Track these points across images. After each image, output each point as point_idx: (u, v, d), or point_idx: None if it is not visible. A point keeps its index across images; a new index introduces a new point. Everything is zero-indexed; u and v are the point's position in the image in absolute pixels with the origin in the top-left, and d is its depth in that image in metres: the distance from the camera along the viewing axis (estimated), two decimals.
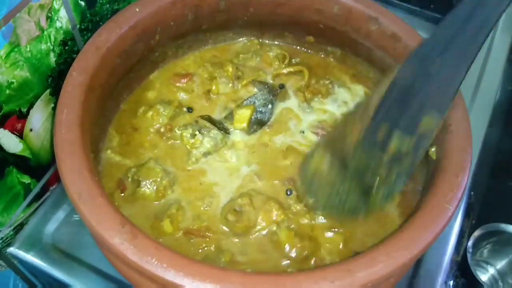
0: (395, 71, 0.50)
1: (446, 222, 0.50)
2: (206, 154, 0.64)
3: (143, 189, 0.60)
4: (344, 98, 0.70)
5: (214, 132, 0.65)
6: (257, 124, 0.67)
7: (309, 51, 0.75)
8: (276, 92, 0.70)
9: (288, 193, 0.61)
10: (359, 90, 0.71)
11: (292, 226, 0.59)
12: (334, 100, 0.70)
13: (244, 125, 0.66)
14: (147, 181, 0.60)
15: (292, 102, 0.70)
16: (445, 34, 0.47)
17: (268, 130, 0.67)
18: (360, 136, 0.51)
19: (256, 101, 0.68)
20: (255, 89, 0.70)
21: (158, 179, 0.60)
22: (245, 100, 0.68)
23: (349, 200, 0.55)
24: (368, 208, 0.56)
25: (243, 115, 0.66)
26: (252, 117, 0.67)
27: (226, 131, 0.66)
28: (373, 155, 0.51)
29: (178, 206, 0.59)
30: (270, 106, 0.69)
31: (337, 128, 0.57)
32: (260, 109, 0.68)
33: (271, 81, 0.72)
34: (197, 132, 0.64)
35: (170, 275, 0.44)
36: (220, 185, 0.62)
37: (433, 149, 0.58)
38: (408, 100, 0.49)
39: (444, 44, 0.47)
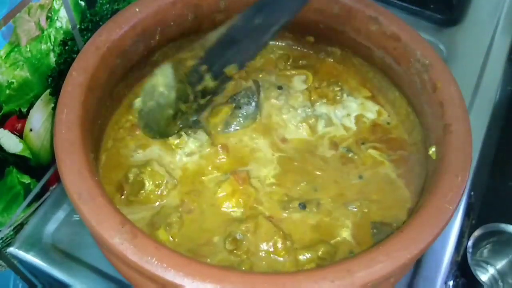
0: (233, 20, 0.57)
1: (446, 222, 0.50)
2: (190, 154, 0.64)
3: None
4: (350, 110, 0.71)
5: (201, 132, 0.65)
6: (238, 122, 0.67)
7: (310, 51, 0.75)
8: (259, 90, 0.69)
9: None
10: (372, 107, 0.72)
11: None
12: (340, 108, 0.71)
13: (218, 122, 0.66)
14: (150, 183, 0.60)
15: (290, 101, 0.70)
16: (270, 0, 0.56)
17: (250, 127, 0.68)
18: (188, 70, 0.59)
19: (238, 98, 0.68)
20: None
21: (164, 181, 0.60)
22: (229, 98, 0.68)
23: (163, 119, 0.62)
24: (169, 131, 0.63)
25: (219, 112, 0.67)
26: (229, 115, 0.67)
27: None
28: (190, 88, 0.60)
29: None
30: (253, 104, 0.68)
31: (177, 59, 0.61)
32: (242, 107, 0.67)
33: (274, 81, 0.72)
34: (182, 133, 0.64)
35: (170, 275, 0.44)
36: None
37: (433, 149, 0.58)
38: (228, 49, 0.58)
39: (267, 7, 0.55)
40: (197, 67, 0.59)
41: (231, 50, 0.58)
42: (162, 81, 0.59)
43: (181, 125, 0.63)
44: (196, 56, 0.59)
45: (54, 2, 0.57)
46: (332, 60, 0.75)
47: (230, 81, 0.60)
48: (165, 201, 0.60)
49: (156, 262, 0.44)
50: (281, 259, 0.56)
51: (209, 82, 0.60)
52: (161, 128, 0.62)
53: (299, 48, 0.76)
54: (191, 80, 0.59)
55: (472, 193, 0.75)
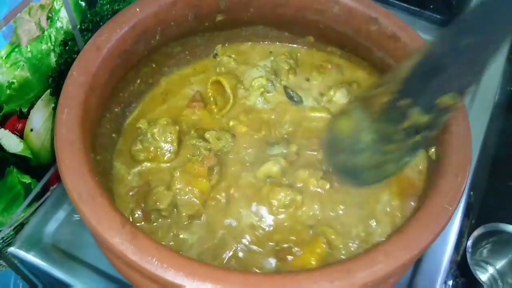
0: (429, 45, 0.49)
1: (446, 222, 0.50)
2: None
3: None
4: None
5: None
6: None
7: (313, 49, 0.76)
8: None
9: None
10: None
11: None
12: None
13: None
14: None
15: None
16: (478, 16, 0.45)
17: None
18: (383, 107, 0.51)
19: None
20: None
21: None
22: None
23: (364, 166, 0.55)
24: (379, 176, 0.56)
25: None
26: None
27: None
28: (392, 126, 0.52)
29: None
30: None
31: (364, 98, 0.56)
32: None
33: None
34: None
35: (170, 275, 0.44)
36: None
37: (432, 150, 0.58)
38: (434, 77, 0.48)
39: (476, 24, 0.45)
40: (393, 102, 0.50)
41: (439, 78, 0.47)
42: (350, 125, 0.55)
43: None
44: (389, 91, 0.51)
45: (55, 2, 0.57)
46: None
47: (448, 112, 0.49)
48: None
49: (156, 262, 0.44)
50: None
51: (419, 116, 0.49)
52: (364, 175, 0.56)
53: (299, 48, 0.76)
54: (391, 118, 0.51)
55: (471, 193, 0.76)
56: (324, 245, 0.56)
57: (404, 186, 0.61)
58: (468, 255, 0.72)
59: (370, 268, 0.45)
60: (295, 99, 0.70)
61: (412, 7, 0.92)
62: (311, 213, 0.60)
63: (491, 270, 0.82)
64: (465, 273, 0.72)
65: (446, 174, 0.53)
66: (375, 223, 0.59)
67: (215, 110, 0.68)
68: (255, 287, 0.44)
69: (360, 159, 0.55)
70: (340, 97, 0.69)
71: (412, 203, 0.60)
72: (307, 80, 0.72)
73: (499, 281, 0.81)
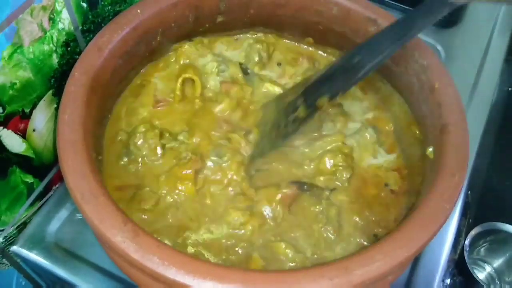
0: (334, 61, 0.65)
1: (443, 221, 0.50)
2: None
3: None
4: None
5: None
6: None
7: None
8: None
9: None
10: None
11: None
12: None
13: None
14: None
15: None
16: (373, 42, 0.59)
17: None
18: (288, 104, 0.65)
19: None
20: None
21: None
22: None
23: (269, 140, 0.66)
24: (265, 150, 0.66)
25: None
26: None
27: None
28: (284, 118, 0.65)
29: None
30: None
31: (281, 96, 0.69)
32: None
33: None
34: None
35: (171, 273, 0.44)
36: None
37: (430, 149, 0.59)
38: (325, 84, 0.62)
39: (368, 49, 0.59)
40: (295, 101, 0.64)
41: (326, 85, 0.62)
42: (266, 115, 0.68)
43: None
44: (297, 93, 0.64)
45: (57, 3, 0.58)
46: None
47: (319, 110, 0.63)
48: None
49: (158, 260, 0.45)
50: None
51: (301, 112, 0.63)
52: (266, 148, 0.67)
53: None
54: (286, 111, 0.65)
55: (469, 192, 0.76)
56: None
57: None
58: (465, 254, 0.72)
59: (368, 266, 0.46)
60: (248, 71, 0.72)
61: (410, 9, 0.92)
62: None
63: (488, 268, 0.82)
64: (462, 271, 0.73)
65: (443, 173, 0.53)
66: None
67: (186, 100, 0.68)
68: (255, 285, 0.44)
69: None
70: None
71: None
72: (278, 65, 0.75)
73: (496, 279, 0.81)
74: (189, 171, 0.60)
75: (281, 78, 0.73)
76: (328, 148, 0.66)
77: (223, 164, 0.62)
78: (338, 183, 0.63)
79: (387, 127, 0.69)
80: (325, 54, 0.75)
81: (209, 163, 0.62)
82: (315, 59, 0.75)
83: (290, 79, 0.73)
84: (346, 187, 0.63)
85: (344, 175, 0.64)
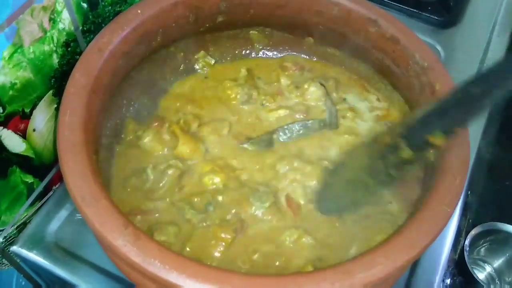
0: (442, 97, 0.51)
1: (444, 224, 0.50)
2: None
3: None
4: None
5: None
6: None
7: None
8: None
9: None
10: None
11: None
12: None
13: None
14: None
15: None
16: (494, 71, 0.48)
17: None
18: (384, 147, 0.56)
19: None
20: None
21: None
22: None
23: (353, 196, 0.60)
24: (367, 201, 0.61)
25: None
26: None
27: None
28: (381, 160, 0.56)
29: None
30: None
31: (372, 138, 0.60)
32: None
33: None
34: None
35: (172, 277, 0.44)
36: None
37: (431, 151, 0.59)
38: (433, 120, 0.51)
39: (487, 76, 0.49)
40: (396, 144, 0.54)
41: (436, 120, 0.51)
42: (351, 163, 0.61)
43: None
44: (395, 133, 0.55)
45: (57, 4, 0.58)
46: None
47: (431, 148, 0.52)
48: None
49: (158, 264, 0.45)
50: None
51: (404, 152, 0.54)
52: (341, 206, 0.62)
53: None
54: (384, 155, 0.56)
55: (469, 192, 0.76)
56: None
57: None
58: (465, 254, 0.72)
59: (370, 270, 0.46)
60: None
61: (411, 9, 0.92)
62: None
63: (488, 268, 0.82)
64: (463, 271, 0.73)
65: (444, 176, 0.53)
66: None
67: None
68: None
69: (341, 193, 0.60)
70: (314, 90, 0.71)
71: None
72: None
73: (496, 279, 0.81)
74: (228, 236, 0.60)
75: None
76: None
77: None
78: None
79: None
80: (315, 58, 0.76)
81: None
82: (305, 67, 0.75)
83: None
84: None
85: None
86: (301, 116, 0.70)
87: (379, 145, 0.56)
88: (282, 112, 0.70)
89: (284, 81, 0.73)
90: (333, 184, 0.61)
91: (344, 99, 0.71)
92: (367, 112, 0.71)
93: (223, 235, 0.58)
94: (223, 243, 0.58)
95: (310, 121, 0.68)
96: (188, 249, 0.58)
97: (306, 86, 0.72)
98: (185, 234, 0.59)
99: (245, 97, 0.70)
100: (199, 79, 0.73)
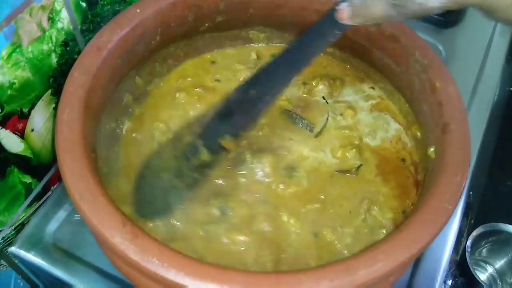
0: (229, 95, 0.59)
1: (445, 221, 0.50)
2: None
3: None
4: None
5: None
6: None
7: None
8: None
9: None
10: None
11: None
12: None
13: None
14: None
15: None
16: (263, 73, 0.58)
17: None
18: (184, 146, 0.61)
19: None
20: None
21: None
22: None
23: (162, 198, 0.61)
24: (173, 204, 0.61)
25: None
26: None
27: None
28: (185, 162, 0.60)
29: None
30: None
31: (175, 136, 0.64)
32: None
33: None
34: None
35: (171, 275, 0.44)
36: None
37: (432, 149, 0.58)
38: (222, 123, 0.59)
39: (261, 79, 0.58)
40: (194, 143, 0.60)
41: (225, 123, 0.59)
42: (158, 163, 0.61)
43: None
44: (193, 132, 0.60)
45: (56, 3, 0.58)
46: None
47: (224, 152, 0.60)
48: None
49: (157, 262, 0.44)
50: None
51: (204, 155, 0.60)
52: (157, 209, 0.61)
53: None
54: (187, 156, 0.60)
55: (470, 193, 0.76)
56: None
57: None
58: (467, 255, 0.72)
59: (370, 267, 0.45)
60: None
61: None
62: None
63: (490, 269, 0.82)
64: (464, 272, 0.73)
65: (445, 173, 0.53)
66: None
67: None
68: (255, 286, 0.44)
69: (157, 194, 0.61)
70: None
71: None
72: None
73: (498, 280, 0.81)
74: None
75: None
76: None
77: None
78: None
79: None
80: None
81: None
82: None
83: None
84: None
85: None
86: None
87: (181, 144, 0.61)
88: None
89: None
90: (148, 188, 0.61)
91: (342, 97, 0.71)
92: (362, 102, 0.71)
93: None
94: None
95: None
96: None
97: (314, 83, 0.72)
98: None
99: None
100: None
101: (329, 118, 0.69)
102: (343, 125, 0.69)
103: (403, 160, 0.66)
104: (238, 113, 0.58)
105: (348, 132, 0.68)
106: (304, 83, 0.72)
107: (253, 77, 0.59)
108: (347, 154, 0.66)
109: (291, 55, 0.57)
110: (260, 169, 0.63)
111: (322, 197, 0.62)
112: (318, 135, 0.67)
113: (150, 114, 0.68)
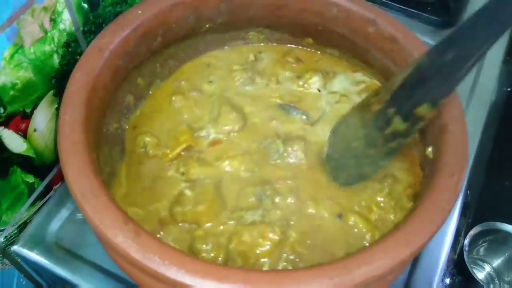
0: (419, 59, 0.52)
1: (443, 220, 0.50)
2: None
3: None
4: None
5: None
6: None
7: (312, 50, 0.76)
8: None
9: None
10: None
11: None
12: None
13: None
14: None
15: None
16: (461, 32, 0.49)
17: None
18: (375, 114, 0.57)
19: None
20: None
21: None
22: None
23: (351, 168, 0.62)
24: (358, 177, 0.63)
25: None
26: None
27: None
28: (378, 132, 0.57)
29: None
30: None
31: (363, 104, 0.60)
32: None
33: None
34: None
35: (172, 273, 0.44)
36: None
37: (430, 149, 0.59)
38: (417, 89, 0.53)
39: (459, 40, 0.49)
40: (383, 111, 0.56)
41: (420, 90, 0.53)
42: (347, 130, 0.61)
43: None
44: (382, 100, 0.56)
45: (58, 4, 0.58)
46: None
47: (422, 121, 0.54)
48: None
49: (159, 260, 0.45)
50: None
51: (398, 124, 0.55)
52: (351, 176, 0.63)
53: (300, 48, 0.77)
54: (378, 124, 0.57)
55: (468, 192, 0.76)
56: None
57: None
58: (465, 254, 0.72)
59: (369, 266, 0.46)
60: None
61: (410, 9, 0.92)
62: None
63: (488, 268, 0.82)
64: (462, 271, 0.73)
65: (443, 173, 0.53)
66: None
67: None
68: (256, 284, 0.44)
69: (349, 162, 0.61)
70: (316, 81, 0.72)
71: None
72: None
73: (495, 279, 0.82)
74: None
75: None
76: None
77: None
78: None
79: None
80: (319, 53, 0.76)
81: None
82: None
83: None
84: None
85: None
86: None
87: (369, 113, 0.57)
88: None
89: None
90: (339, 152, 0.62)
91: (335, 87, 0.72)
92: (354, 87, 0.72)
93: None
94: None
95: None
96: None
97: (308, 76, 0.72)
98: None
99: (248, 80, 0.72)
100: None
101: (326, 107, 0.70)
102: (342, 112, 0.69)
103: None
104: (434, 79, 0.52)
105: None
106: (298, 77, 0.73)
107: (446, 40, 0.50)
108: None
109: (489, 13, 0.47)
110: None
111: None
112: (315, 123, 0.68)
113: (151, 114, 0.69)
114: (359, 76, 0.73)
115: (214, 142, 0.66)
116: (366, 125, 0.58)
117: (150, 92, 0.70)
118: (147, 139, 0.65)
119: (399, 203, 0.62)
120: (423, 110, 0.53)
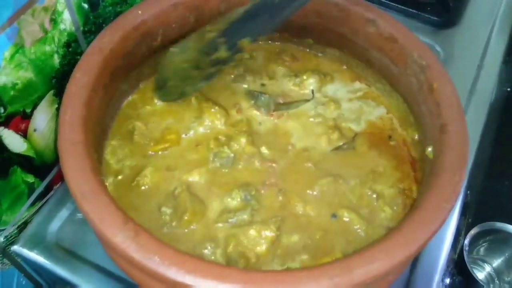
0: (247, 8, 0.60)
1: (443, 220, 0.50)
2: None
3: None
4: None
5: None
6: None
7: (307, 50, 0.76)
8: None
9: None
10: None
11: None
12: None
13: None
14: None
15: None
16: None
17: None
18: (208, 41, 0.63)
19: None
20: None
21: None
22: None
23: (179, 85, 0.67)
24: (184, 94, 0.67)
25: None
26: None
27: None
28: (205, 57, 0.63)
29: None
30: None
31: (201, 31, 0.64)
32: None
33: None
34: None
35: (172, 273, 0.44)
36: None
37: (430, 149, 0.59)
38: (247, 23, 0.61)
39: None
40: (215, 39, 0.62)
41: (249, 25, 0.60)
42: (181, 54, 0.64)
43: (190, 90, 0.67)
44: (218, 29, 0.62)
45: (58, 4, 0.58)
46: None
47: (241, 52, 0.63)
48: None
49: (158, 260, 0.45)
50: None
51: (222, 52, 0.62)
52: (174, 92, 0.67)
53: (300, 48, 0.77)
54: (206, 49, 0.63)
55: (468, 192, 0.76)
56: None
57: None
58: (465, 254, 0.72)
59: (369, 265, 0.46)
60: None
61: (410, 9, 0.92)
62: None
63: (488, 268, 0.82)
64: (462, 271, 0.73)
65: (443, 172, 0.53)
66: None
67: None
68: (256, 284, 0.44)
69: (176, 84, 0.66)
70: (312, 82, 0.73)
71: None
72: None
73: (496, 279, 0.82)
74: None
75: None
76: None
77: None
78: None
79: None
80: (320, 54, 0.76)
81: None
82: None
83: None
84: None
85: None
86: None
87: (203, 39, 0.63)
88: None
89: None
90: (171, 70, 0.66)
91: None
92: (350, 94, 0.72)
93: None
94: None
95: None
96: None
97: (305, 77, 0.72)
98: None
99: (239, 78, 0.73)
100: None
101: (312, 107, 0.70)
102: (328, 117, 0.70)
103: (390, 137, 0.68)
104: (262, 16, 0.60)
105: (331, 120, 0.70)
106: (296, 75, 0.73)
107: None
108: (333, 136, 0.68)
109: None
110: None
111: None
112: (278, 108, 0.70)
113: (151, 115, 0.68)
114: (357, 85, 0.73)
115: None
116: (198, 49, 0.63)
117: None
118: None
119: (388, 198, 0.62)
120: (245, 42, 0.61)
